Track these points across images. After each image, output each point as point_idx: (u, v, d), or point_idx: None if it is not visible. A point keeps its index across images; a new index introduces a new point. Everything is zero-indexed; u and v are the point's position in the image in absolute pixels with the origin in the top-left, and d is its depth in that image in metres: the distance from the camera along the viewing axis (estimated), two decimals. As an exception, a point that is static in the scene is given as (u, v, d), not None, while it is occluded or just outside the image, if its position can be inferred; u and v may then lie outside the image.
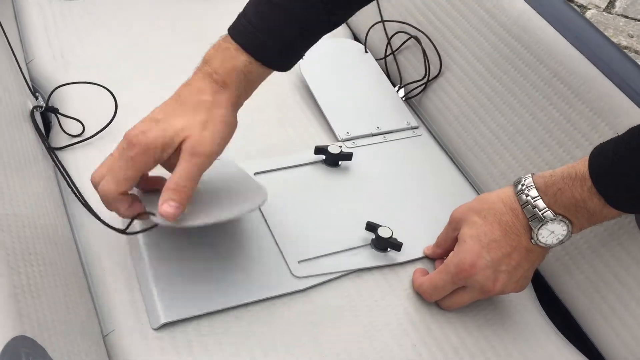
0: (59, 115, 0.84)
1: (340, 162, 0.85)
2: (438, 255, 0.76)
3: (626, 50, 1.89)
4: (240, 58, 0.64)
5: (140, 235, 0.70)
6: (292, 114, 0.93)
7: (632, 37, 2.01)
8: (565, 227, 0.64)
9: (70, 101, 0.88)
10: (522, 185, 0.66)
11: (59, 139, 0.83)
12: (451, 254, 0.70)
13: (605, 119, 0.75)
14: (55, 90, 0.88)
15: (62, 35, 0.98)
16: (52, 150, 0.79)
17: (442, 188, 0.86)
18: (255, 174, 0.79)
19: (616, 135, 0.65)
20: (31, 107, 0.83)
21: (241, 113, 0.68)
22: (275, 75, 0.68)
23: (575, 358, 0.72)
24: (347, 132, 0.89)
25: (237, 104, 0.66)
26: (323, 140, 0.90)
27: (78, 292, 0.64)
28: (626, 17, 2.09)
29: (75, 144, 0.82)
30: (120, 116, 0.85)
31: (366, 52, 1.04)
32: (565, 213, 0.64)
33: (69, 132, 0.83)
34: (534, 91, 0.83)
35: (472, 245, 0.67)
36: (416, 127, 0.93)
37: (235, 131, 0.66)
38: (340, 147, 0.84)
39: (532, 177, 0.66)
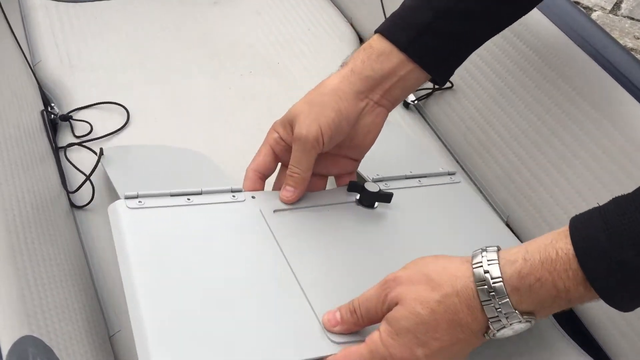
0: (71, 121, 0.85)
1: (376, 204, 0.73)
2: (350, 326, 0.57)
3: (632, 52, 1.88)
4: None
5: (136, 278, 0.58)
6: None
7: (638, 39, 2.00)
8: (529, 324, 0.52)
9: (77, 103, 0.88)
10: (487, 273, 0.51)
11: (65, 140, 0.84)
12: (376, 338, 0.54)
13: (614, 124, 0.75)
14: (63, 90, 0.89)
15: (69, 38, 0.99)
16: (59, 150, 0.80)
17: (486, 241, 0.72)
18: (275, 211, 0.68)
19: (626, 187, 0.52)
20: (41, 110, 0.84)
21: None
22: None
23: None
24: (377, 174, 0.77)
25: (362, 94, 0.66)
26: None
27: (84, 293, 0.65)
28: (632, 19, 2.08)
29: (83, 143, 0.83)
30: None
31: None
32: (536, 309, 0.51)
33: (76, 133, 0.84)
34: (538, 92, 0.83)
35: (407, 341, 0.53)
36: (453, 173, 0.82)
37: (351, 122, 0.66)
38: (380, 186, 0.72)
39: (498, 263, 0.51)
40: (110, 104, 0.88)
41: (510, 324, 0.51)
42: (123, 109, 0.87)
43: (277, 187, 0.70)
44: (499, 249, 0.52)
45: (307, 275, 0.61)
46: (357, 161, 0.72)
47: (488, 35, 0.70)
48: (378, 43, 0.66)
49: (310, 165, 0.66)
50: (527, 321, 0.51)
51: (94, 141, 0.83)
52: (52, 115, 0.86)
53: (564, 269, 0.49)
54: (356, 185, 0.71)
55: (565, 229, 0.50)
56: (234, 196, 0.67)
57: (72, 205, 0.76)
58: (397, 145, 0.85)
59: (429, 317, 0.52)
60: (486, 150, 0.89)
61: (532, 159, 0.83)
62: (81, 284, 0.66)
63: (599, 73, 0.77)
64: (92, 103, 0.88)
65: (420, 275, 0.53)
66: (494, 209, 0.82)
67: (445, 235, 0.73)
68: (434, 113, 0.98)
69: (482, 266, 0.51)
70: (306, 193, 0.70)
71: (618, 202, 0.50)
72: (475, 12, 0.66)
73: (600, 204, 0.52)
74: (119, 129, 0.85)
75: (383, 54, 0.65)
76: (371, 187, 0.71)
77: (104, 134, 0.84)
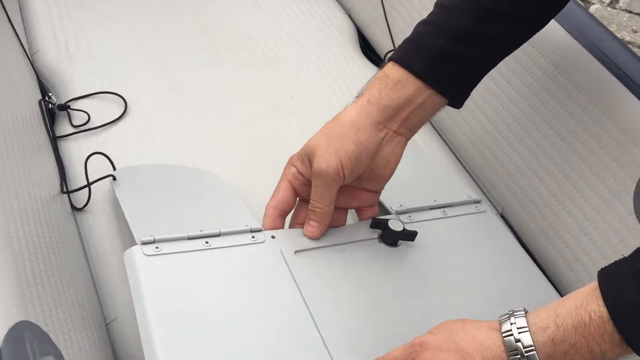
0: (69, 110, 0.85)
1: (399, 242, 0.70)
2: None
3: (630, 46, 1.88)
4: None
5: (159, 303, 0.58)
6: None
7: (636, 32, 2.00)
8: None
9: (75, 93, 0.88)
10: (518, 342, 0.50)
11: (64, 130, 0.84)
12: None
13: (610, 117, 0.75)
14: (61, 80, 0.89)
15: (67, 28, 0.99)
16: (56, 141, 0.80)
17: (513, 280, 0.72)
18: (297, 252, 0.66)
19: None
20: (39, 99, 0.84)
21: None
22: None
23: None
24: (401, 205, 0.75)
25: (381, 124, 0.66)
26: None
27: (81, 280, 0.65)
28: (630, 12, 2.08)
29: (80, 132, 0.83)
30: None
31: None
32: None
33: (74, 122, 0.84)
34: (535, 85, 0.83)
35: None
36: (479, 202, 0.79)
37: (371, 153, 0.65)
38: (403, 223, 0.70)
39: (529, 330, 0.50)
40: (108, 94, 0.88)
41: None
42: (121, 99, 0.88)
43: (294, 222, 0.69)
44: (526, 312, 0.51)
45: (327, 324, 0.60)
46: (378, 193, 0.71)
47: (503, 55, 0.69)
48: (393, 71, 0.65)
49: (332, 199, 0.65)
50: None
51: (91, 131, 0.83)
52: (50, 105, 0.86)
53: (599, 333, 0.48)
54: (379, 223, 0.69)
55: (594, 288, 0.49)
56: (253, 237, 0.66)
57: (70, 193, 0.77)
58: (419, 170, 0.83)
59: None
60: (483, 143, 0.89)
61: (528, 151, 0.83)
62: (78, 272, 0.66)
63: (596, 66, 0.77)
64: (90, 93, 0.88)
65: (449, 343, 0.52)
66: (521, 242, 0.81)
67: (470, 277, 0.70)
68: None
69: (512, 334, 0.50)
70: (328, 230, 0.68)
71: None
72: (491, 35, 0.65)
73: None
74: (116, 119, 0.85)
75: (399, 82, 0.64)
76: (394, 225, 0.69)
77: (102, 123, 0.84)
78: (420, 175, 0.82)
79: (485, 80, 0.88)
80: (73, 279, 0.63)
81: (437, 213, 0.76)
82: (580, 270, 0.76)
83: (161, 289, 0.59)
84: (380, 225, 0.69)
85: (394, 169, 0.69)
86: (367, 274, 0.67)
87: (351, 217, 0.74)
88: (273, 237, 0.66)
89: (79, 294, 0.63)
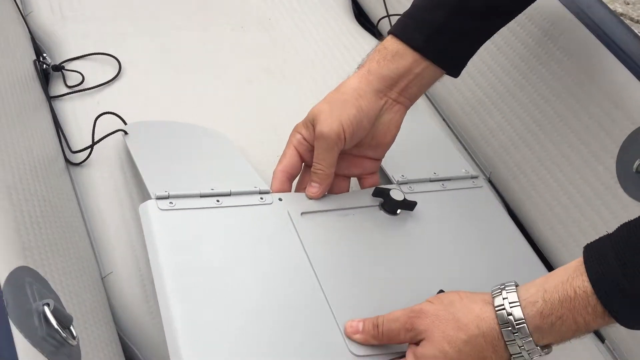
0: (63, 71, 0.86)
1: (399, 210, 0.74)
2: (368, 338, 0.60)
3: (622, 17, 1.89)
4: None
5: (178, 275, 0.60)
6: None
7: (628, 4, 2.01)
8: (546, 353, 0.56)
9: (69, 54, 0.89)
10: (510, 316, 0.54)
11: (58, 90, 0.85)
12: None
13: (598, 86, 0.76)
14: (55, 41, 0.89)
15: (61, -12, 0.99)
16: (52, 100, 0.81)
17: (503, 253, 0.75)
18: (303, 214, 0.69)
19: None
20: (33, 60, 0.85)
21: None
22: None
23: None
24: (402, 175, 0.79)
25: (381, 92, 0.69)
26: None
27: (77, 234, 0.67)
28: (624, -15, 2.08)
29: (74, 93, 0.84)
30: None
31: None
32: (555, 341, 0.55)
33: (68, 83, 0.85)
34: (524, 50, 0.84)
35: None
36: (476, 177, 0.83)
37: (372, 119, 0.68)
38: (404, 193, 0.73)
39: (520, 305, 0.54)
40: (102, 55, 0.89)
41: (531, 358, 0.54)
42: (115, 61, 0.88)
43: (300, 187, 0.72)
44: (516, 286, 0.55)
45: (330, 284, 0.64)
46: (378, 161, 0.74)
47: (500, 26, 0.71)
48: (392, 44, 0.68)
49: (333, 162, 0.68)
50: (546, 353, 0.55)
51: (86, 91, 0.84)
52: (45, 66, 0.86)
53: (583, 306, 0.52)
54: (381, 191, 0.72)
55: (579, 264, 0.53)
56: (262, 198, 0.69)
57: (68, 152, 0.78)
58: (422, 143, 0.86)
59: (456, 356, 0.55)
60: (472, 109, 0.90)
61: (516, 116, 0.85)
62: (74, 227, 0.68)
63: (586, 35, 0.78)
64: (84, 54, 0.88)
65: (447, 314, 0.56)
66: (514, 218, 0.84)
67: (464, 247, 0.74)
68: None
69: (504, 309, 0.54)
70: (332, 195, 0.72)
71: (629, 236, 0.52)
72: (488, 8, 0.67)
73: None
74: (111, 80, 0.86)
75: (398, 54, 0.68)
76: (396, 194, 0.72)
77: (96, 84, 0.84)
78: (423, 148, 0.85)
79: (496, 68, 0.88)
80: (70, 232, 0.65)
81: (437, 185, 0.79)
82: (562, 232, 0.78)
83: (175, 242, 0.62)
84: (382, 194, 0.72)
85: (394, 137, 0.72)
86: (368, 238, 0.70)
87: (354, 185, 0.76)
88: (280, 199, 0.69)
89: (76, 247, 0.65)
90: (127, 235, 0.71)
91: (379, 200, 0.73)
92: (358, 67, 0.70)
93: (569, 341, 0.54)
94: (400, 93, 0.69)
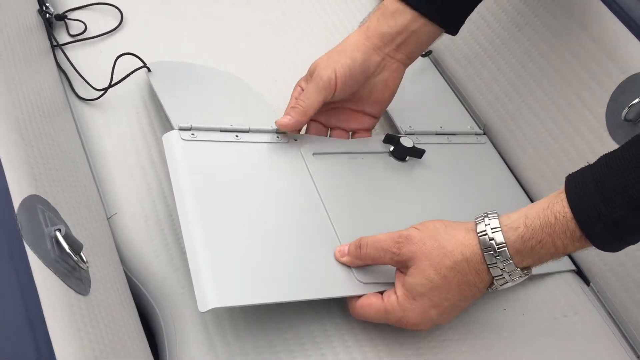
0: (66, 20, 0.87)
1: (408, 157, 0.77)
2: (352, 259, 0.64)
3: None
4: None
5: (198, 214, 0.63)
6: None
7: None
8: (527, 276, 0.59)
9: (71, 3, 0.90)
10: (492, 240, 0.57)
11: (61, 39, 0.86)
12: (393, 300, 0.61)
13: (590, 36, 0.77)
14: None
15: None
16: (60, 47, 0.82)
17: (501, 200, 0.79)
18: (315, 154, 0.73)
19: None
20: (37, 9, 0.86)
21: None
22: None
23: None
24: (410, 126, 0.82)
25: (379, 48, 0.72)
26: (384, 129, 0.85)
27: (83, 173, 0.69)
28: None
29: (78, 41, 0.85)
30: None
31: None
32: (534, 264, 0.58)
33: (71, 32, 0.86)
34: (519, 3, 0.86)
35: (422, 304, 0.59)
36: (480, 134, 0.87)
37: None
38: (413, 141, 0.77)
39: (502, 230, 0.57)
40: (104, 5, 0.90)
41: (512, 279, 0.58)
42: (117, 10, 0.89)
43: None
44: (498, 215, 0.58)
45: (337, 214, 0.68)
46: (375, 119, 0.77)
47: None
48: (391, 3, 0.72)
49: (315, 103, 0.71)
50: (526, 275, 0.59)
51: (89, 40, 0.86)
52: (48, 15, 0.87)
53: (562, 230, 0.55)
54: (392, 138, 0.76)
55: (560, 192, 0.56)
56: (277, 137, 0.73)
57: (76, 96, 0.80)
58: (428, 98, 0.90)
59: (442, 282, 0.58)
60: (467, 61, 0.92)
61: (510, 67, 0.86)
62: (80, 166, 0.70)
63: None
64: (87, 4, 0.89)
65: (432, 241, 0.59)
66: (515, 176, 0.86)
67: (464, 193, 0.78)
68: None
69: (486, 234, 0.57)
70: (343, 140, 0.76)
71: (608, 164, 0.55)
72: None
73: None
74: (113, 29, 0.87)
75: (396, 12, 0.71)
76: (405, 142, 0.76)
77: (99, 33, 0.86)
78: (431, 103, 0.89)
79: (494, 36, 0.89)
80: (76, 172, 0.67)
81: (442, 139, 0.84)
82: (552, 180, 0.81)
83: (196, 169, 0.65)
84: (392, 140, 0.77)
85: (392, 95, 0.75)
86: (375, 179, 0.75)
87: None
88: (295, 139, 0.73)
89: (82, 186, 0.67)
90: (131, 178, 0.73)
91: (389, 147, 0.77)
92: (360, 25, 0.74)
93: (545, 263, 0.58)
94: (397, 49, 0.72)
